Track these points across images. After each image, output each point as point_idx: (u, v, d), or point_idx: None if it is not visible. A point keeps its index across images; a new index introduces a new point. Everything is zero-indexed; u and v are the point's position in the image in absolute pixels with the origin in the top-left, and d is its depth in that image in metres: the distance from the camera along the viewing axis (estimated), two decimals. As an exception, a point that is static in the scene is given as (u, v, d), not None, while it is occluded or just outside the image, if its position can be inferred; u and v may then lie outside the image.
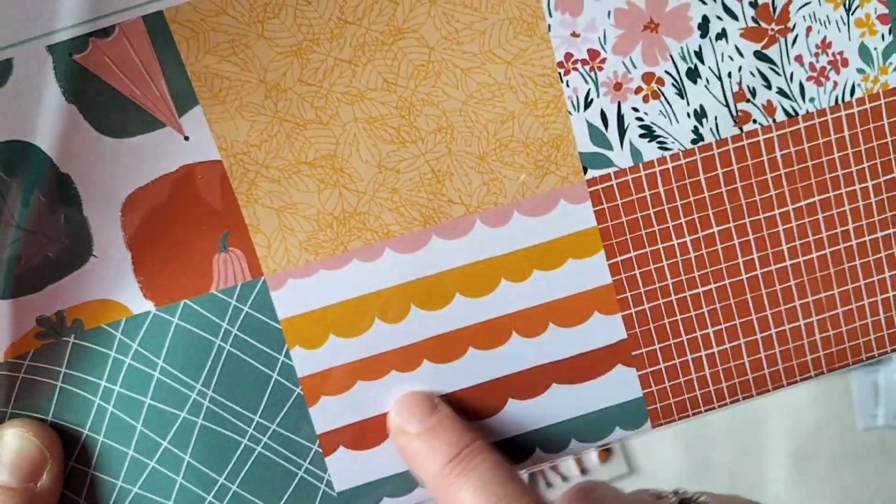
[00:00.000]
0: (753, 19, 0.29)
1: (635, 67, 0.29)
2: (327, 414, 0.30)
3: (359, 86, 0.29)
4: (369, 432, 0.31)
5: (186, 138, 0.28)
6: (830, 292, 0.31)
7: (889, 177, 0.31)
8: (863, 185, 0.31)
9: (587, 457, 0.73)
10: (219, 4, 0.27)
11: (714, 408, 0.31)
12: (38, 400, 0.29)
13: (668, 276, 0.31)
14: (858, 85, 0.30)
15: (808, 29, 0.30)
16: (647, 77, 0.29)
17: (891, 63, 0.30)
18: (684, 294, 0.31)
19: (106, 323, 0.29)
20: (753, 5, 0.29)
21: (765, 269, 0.31)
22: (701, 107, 0.30)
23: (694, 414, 0.31)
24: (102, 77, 0.27)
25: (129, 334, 0.29)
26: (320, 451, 0.31)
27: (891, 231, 0.31)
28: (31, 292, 0.29)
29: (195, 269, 0.29)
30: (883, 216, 0.31)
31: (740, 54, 0.30)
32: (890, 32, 0.30)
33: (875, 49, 0.30)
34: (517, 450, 0.31)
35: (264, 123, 0.29)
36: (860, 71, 0.30)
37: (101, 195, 0.28)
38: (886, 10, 0.30)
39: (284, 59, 0.28)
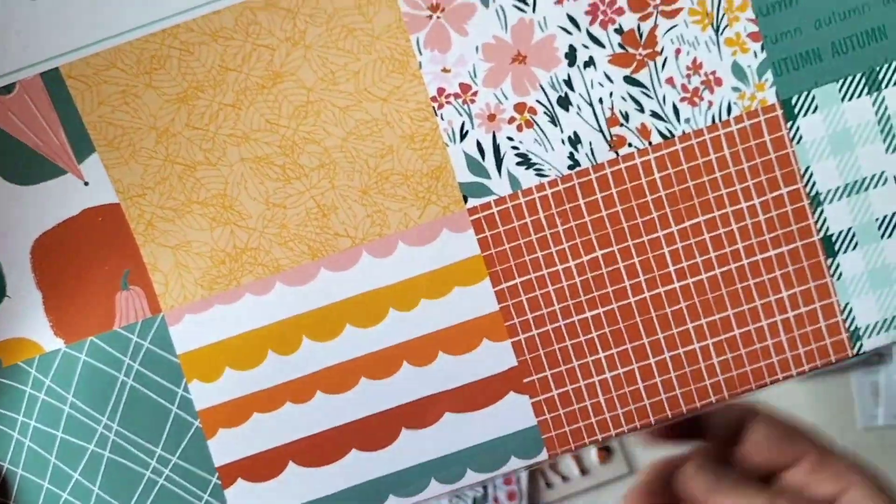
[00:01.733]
0: (620, 45, 0.30)
1: (507, 98, 0.30)
2: (225, 446, 0.31)
3: (243, 128, 0.30)
4: (267, 464, 0.31)
5: (86, 183, 0.31)
6: (725, 314, 0.31)
7: (776, 193, 0.30)
8: (749, 202, 0.30)
9: (587, 456, 0.71)
10: (109, 59, 0.30)
11: (611, 435, 0.31)
12: (-43, 434, 0.31)
13: (555, 302, 0.31)
14: (735, 103, 0.30)
15: (677, 51, 0.30)
16: (519, 107, 0.30)
17: (766, 79, 0.30)
18: (572, 319, 0.31)
19: (21, 360, 0.31)
20: (619, 32, 0.30)
21: (653, 292, 0.31)
22: (575, 133, 0.30)
23: (591, 442, 0.31)
24: (6, 130, 0.30)
25: (42, 371, 0.31)
26: (219, 483, 0.31)
27: (784, 249, 0.30)
28: (-53, 331, 0.31)
29: (100, 307, 0.31)
30: (774, 234, 0.30)
31: (610, 80, 0.30)
32: (763, 49, 0.30)
33: (748, 66, 0.30)
34: (412, 481, 0.31)
35: (157, 167, 0.31)
36: (735, 89, 0.30)
37: (11, 239, 0.31)
38: (757, 28, 0.30)
39: (172, 106, 0.30)
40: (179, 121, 0.30)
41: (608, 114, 0.30)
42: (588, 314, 0.31)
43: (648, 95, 0.30)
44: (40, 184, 0.30)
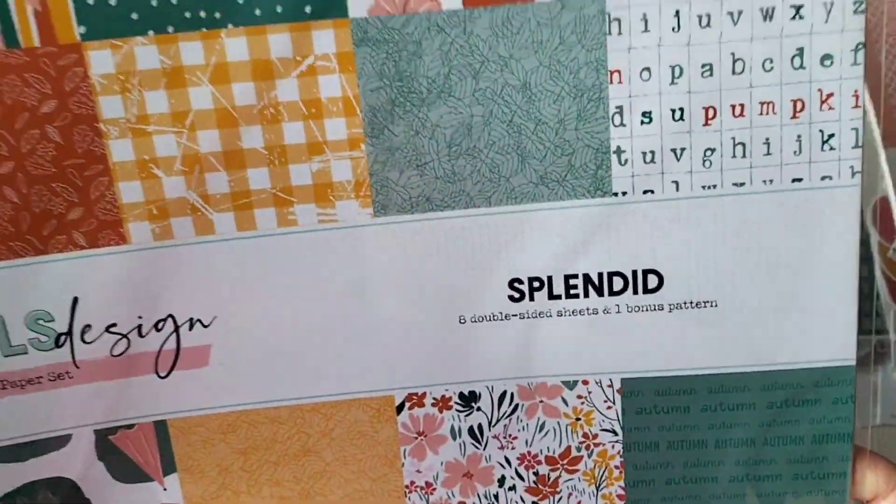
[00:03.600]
0: (534, 482, 0.46)
1: (454, 497, 0.46)
2: None
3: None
4: None
5: (164, 489, 0.45)
6: None
7: None
8: None
9: None
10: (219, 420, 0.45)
11: None
12: None
13: None
14: (598, 534, 0.46)
15: (570, 494, 0.46)
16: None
17: (622, 524, 0.46)
18: None
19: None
20: (535, 474, 0.46)
21: None
22: (493, 529, 0.46)
23: None
24: (123, 449, 0.45)
25: None
26: None
27: None
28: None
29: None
30: None
31: (523, 502, 0.46)
32: (625, 505, 0.46)
33: (614, 515, 0.46)
34: None
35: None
36: (601, 527, 0.46)
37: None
38: (624, 493, 0.46)
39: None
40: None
41: (518, 526, 0.46)
42: None
43: (546, 521, 0.46)
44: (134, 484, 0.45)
